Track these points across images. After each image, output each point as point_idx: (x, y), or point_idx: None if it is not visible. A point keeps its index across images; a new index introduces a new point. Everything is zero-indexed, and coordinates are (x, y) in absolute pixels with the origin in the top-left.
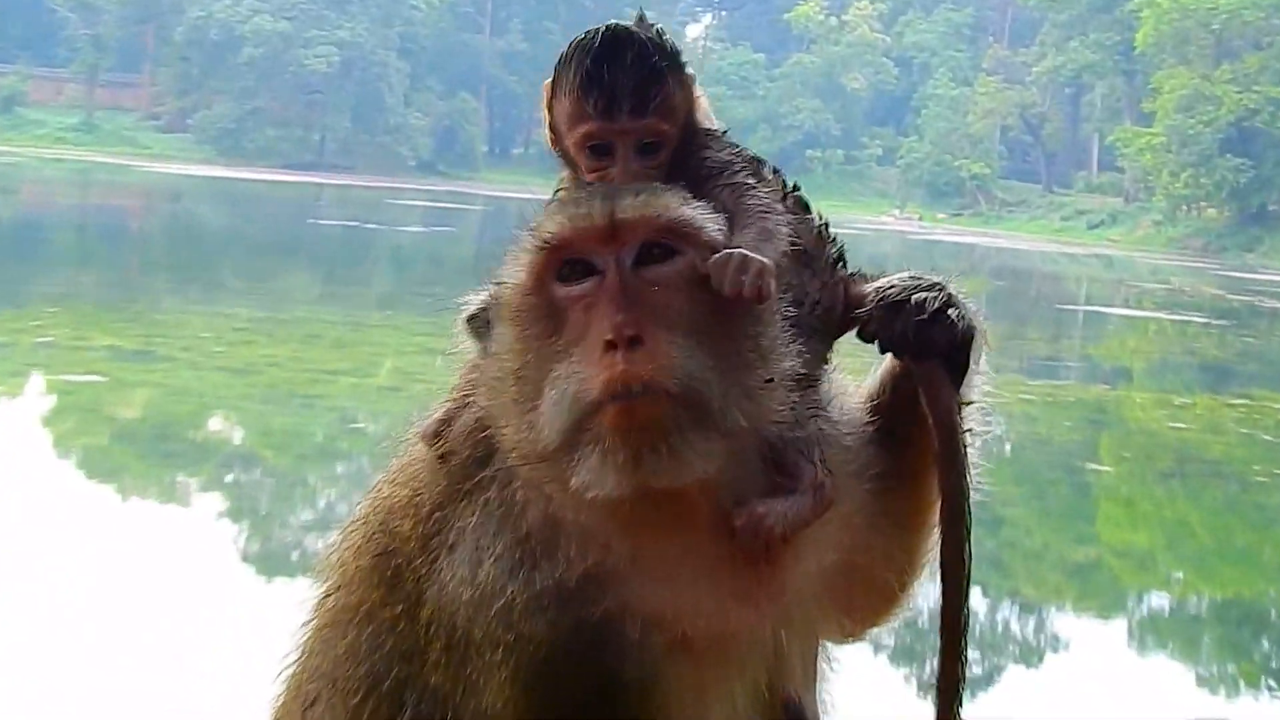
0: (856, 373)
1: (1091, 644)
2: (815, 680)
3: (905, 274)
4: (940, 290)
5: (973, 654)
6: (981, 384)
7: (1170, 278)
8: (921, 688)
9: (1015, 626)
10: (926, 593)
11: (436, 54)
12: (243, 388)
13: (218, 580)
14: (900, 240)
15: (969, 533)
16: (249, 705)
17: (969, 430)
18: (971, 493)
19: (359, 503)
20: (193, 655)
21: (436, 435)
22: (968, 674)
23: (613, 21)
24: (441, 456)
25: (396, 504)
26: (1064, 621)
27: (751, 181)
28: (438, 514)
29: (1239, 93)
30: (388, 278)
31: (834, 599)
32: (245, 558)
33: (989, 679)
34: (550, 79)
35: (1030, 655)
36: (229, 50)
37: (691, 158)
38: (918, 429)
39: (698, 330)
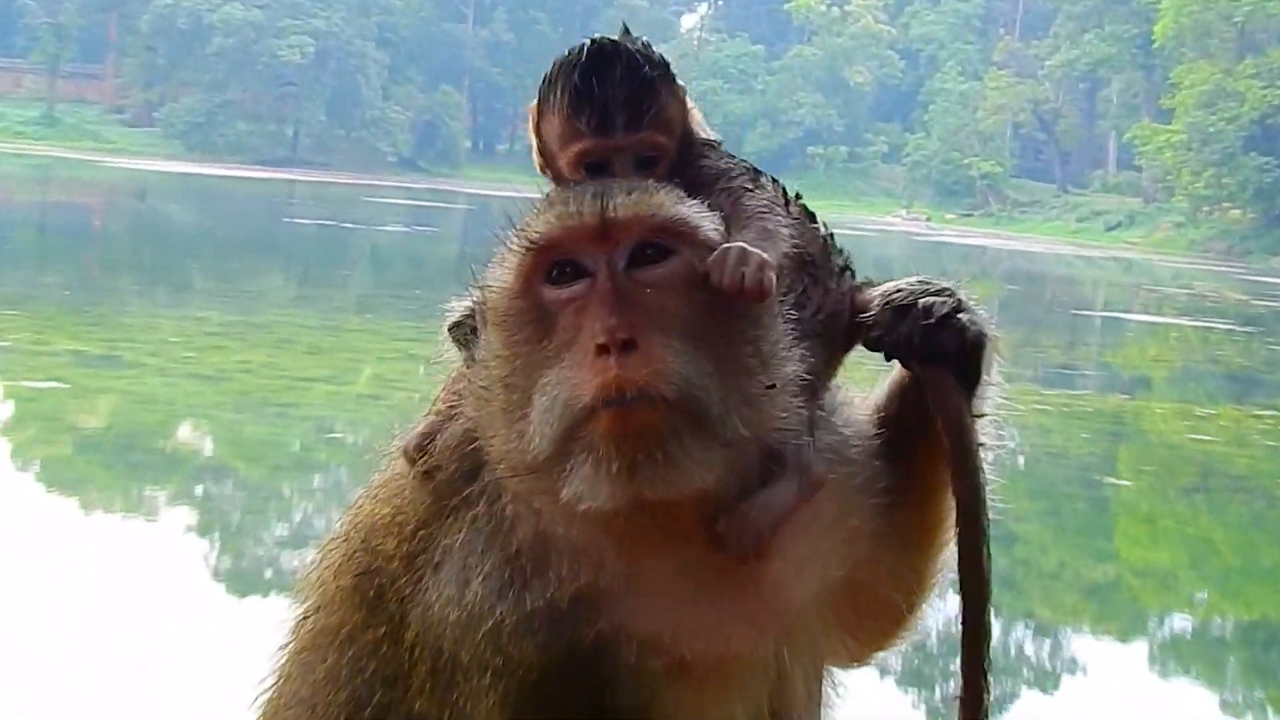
0: (862, 381)
1: (1110, 668)
2: (820, 705)
3: (913, 278)
4: (949, 295)
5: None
6: (993, 395)
7: (1192, 282)
8: (931, 714)
9: (1030, 649)
10: (936, 614)
11: (417, 44)
12: (213, 395)
13: (187, 600)
14: (906, 242)
15: (988, 543)
16: None
17: (982, 444)
18: (988, 498)
19: (339, 519)
20: (161, 680)
21: (419, 451)
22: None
23: (598, 35)
24: (427, 473)
25: (379, 520)
26: (1081, 644)
27: (750, 186)
28: (423, 531)
29: (1263, 88)
30: (366, 280)
31: (839, 620)
32: (216, 575)
33: (1002, 705)
34: (534, 102)
35: (1046, 680)
36: (197, 40)
37: (688, 168)
38: (926, 441)
39: (695, 333)
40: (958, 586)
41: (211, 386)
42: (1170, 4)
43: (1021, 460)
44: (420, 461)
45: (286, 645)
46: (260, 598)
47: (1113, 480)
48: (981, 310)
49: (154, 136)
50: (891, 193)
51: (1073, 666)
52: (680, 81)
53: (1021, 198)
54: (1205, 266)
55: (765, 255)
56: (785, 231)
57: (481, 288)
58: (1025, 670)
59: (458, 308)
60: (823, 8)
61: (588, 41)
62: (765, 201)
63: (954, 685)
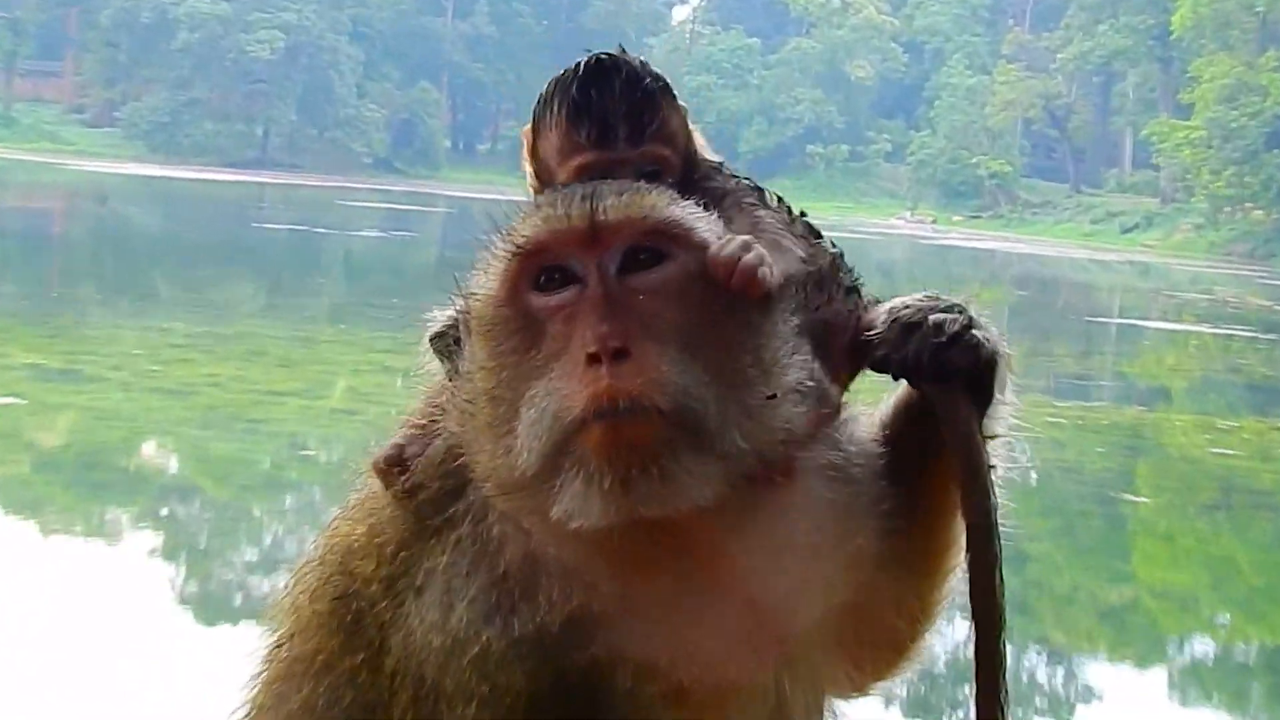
0: (865, 393)
1: (1127, 695)
2: None
3: (920, 294)
4: (960, 311)
5: None
6: (1006, 415)
7: (1212, 287)
8: None
9: (1042, 676)
10: (943, 641)
11: (393, 38)
12: (179, 411)
13: (152, 627)
14: (911, 245)
15: (1000, 569)
16: None
17: (993, 467)
18: (1000, 523)
19: (313, 540)
20: (125, 710)
21: (390, 465)
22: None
23: (595, 51)
24: (408, 491)
25: (356, 542)
26: (1097, 670)
27: (757, 204)
28: (404, 553)
29: None
30: (340, 287)
31: (840, 647)
32: (183, 600)
33: None
34: (528, 125)
35: (1060, 708)
36: (161, 35)
37: (694, 189)
38: (935, 462)
39: (691, 341)
40: (970, 614)
41: (177, 401)
42: None
43: (1034, 476)
44: (397, 479)
45: (259, 675)
46: (230, 625)
47: (1130, 497)
48: (993, 327)
49: (116, 137)
50: (895, 193)
51: (1088, 694)
52: (682, 103)
53: (1032, 198)
54: (1226, 270)
55: (767, 256)
56: (796, 250)
57: (465, 296)
58: (1038, 698)
59: (439, 317)
60: None
61: (584, 57)
62: (774, 221)
63: (963, 716)
